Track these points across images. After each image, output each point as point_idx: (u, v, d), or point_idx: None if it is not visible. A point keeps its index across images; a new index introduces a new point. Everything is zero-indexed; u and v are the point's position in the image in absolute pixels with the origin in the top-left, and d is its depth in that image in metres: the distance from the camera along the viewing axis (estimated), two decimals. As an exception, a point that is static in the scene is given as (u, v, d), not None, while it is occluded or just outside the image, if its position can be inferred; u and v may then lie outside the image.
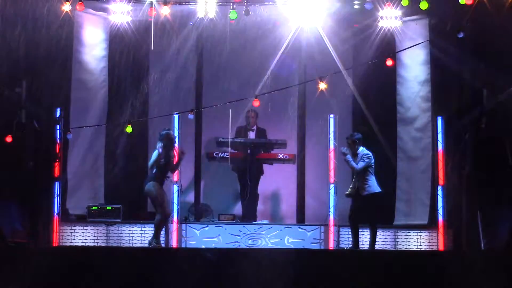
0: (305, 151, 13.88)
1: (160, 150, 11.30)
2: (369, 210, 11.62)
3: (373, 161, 11.68)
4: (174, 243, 12.16)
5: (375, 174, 11.75)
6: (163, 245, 11.74)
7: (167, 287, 9.67)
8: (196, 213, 13.17)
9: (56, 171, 12.32)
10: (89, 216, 12.46)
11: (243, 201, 12.99)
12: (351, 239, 11.83)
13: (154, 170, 11.26)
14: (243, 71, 13.82)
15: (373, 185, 11.61)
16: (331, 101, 13.07)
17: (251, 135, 13.34)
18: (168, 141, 11.39)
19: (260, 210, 13.25)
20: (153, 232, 11.42)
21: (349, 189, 11.83)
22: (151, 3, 12.54)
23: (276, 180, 13.77)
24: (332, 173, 12.47)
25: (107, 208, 12.53)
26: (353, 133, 12.09)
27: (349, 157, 11.74)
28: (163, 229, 11.75)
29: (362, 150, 11.72)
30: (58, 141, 12.36)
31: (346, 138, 11.99)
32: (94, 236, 12.42)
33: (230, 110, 12.93)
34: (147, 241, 11.93)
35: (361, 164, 11.60)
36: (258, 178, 13.12)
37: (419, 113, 13.26)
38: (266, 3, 13.00)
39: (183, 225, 12.32)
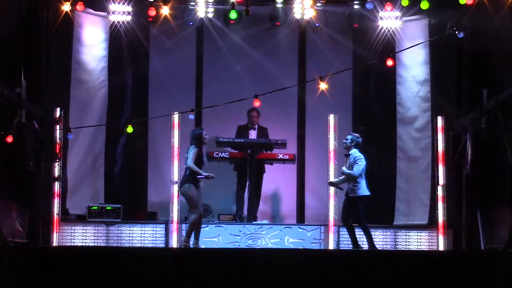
0: (305, 151, 13.90)
1: (196, 148, 11.29)
2: (355, 212, 11.56)
3: (365, 164, 11.64)
4: (174, 243, 12.16)
5: (366, 177, 11.67)
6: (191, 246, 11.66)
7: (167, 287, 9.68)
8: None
9: (56, 171, 12.34)
10: (89, 216, 12.47)
11: (243, 200, 12.99)
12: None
13: (188, 171, 11.25)
14: (243, 70, 13.82)
15: (362, 188, 11.51)
16: (331, 101, 13.07)
17: (253, 134, 13.35)
18: (200, 141, 11.39)
19: (260, 210, 13.26)
20: (186, 231, 11.47)
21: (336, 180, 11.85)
22: (151, 3, 12.56)
23: (276, 180, 13.78)
24: (332, 173, 12.46)
25: (107, 208, 12.54)
26: (355, 134, 12.00)
27: (337, 180, 11.78)
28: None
29: (354, 152, 11.58)
30: (58, 141, 12.38)
31: (348, 135, 11.88)
32: (94, 236, 12.43)
33: (231, 110, 12.94)
34: (147, 241, 11.95)
35: (357, 168, 11.45)
36: (259, 178, 13.12)
37: (419, 113, 13.28)
38: (266, 3, 13.01)
39: (183, 225, 12.31)
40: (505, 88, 11.24)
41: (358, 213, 11.54)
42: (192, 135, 11.47)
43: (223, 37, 13.76)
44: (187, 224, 11.60)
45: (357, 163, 11.47)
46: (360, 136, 11.86)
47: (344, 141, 11.79)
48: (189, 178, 11.23)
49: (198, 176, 11.25)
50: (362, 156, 11.58)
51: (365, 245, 11.72)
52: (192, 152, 11.27)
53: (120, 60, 13.64)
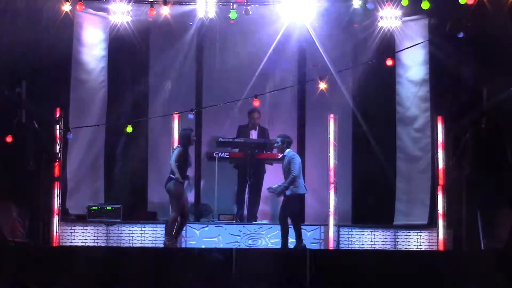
0: (305, 151, 13.88)
1: (181, 148, 11.33)
2: (292, 209, 11.62)
3: (299, 161, 11.65)
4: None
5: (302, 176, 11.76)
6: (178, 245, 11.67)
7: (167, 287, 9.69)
8: (196, 213, 13.18)
9: (56, 171, 12.33)
10: (89, 216, 12.47)
11: (243, 200, 13.00)
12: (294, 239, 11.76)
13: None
14: (243, 71, 13.80)
15: (299, 186, 11.62)
16: (331, 101, 13.07)
17: (253, 134, 13.34)
18: (188, 141, 11.44)
19: (260, 210, 13.25)
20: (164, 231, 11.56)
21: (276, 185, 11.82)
22: (151, 3, 12.55)
23: (276, 180, 13.74)
24: (332, 173, 12.47)
25: (107, 208, 12.54)
26: (283, 135, 12.03)
27: (276, 187, 11.71)
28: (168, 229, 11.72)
29: (288, 152, 11.72)
30: (58, 141, 12.37)
31: (277, 137, 11.94)
32: (94, 236, 12.43)
33: (231, 110, 12.95)
34: (147, 241, 11.94)
35: (293, 167, 11.57)
36: (260, 178, 13.12)
37: (418, 113, 13.26)
38: (266, 3, 13.00)
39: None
40: (505, 88, 11.26)
41: (296, 210, 11.63)
42: (181, 134, 11.55)
43: (223, 37, 13.74)
44: (166, 223, 11.59)
45: (293, 162, 11.59)
46: (290, 136, 11.98)
47: (275, 144, 11.88)
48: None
49: (170, 174, 11.32)
50: (295, 155, 11.71)
51: (365, 245, 11.76)
52: (177, 150, 11.38)
53: (120, 60, 13.63)
